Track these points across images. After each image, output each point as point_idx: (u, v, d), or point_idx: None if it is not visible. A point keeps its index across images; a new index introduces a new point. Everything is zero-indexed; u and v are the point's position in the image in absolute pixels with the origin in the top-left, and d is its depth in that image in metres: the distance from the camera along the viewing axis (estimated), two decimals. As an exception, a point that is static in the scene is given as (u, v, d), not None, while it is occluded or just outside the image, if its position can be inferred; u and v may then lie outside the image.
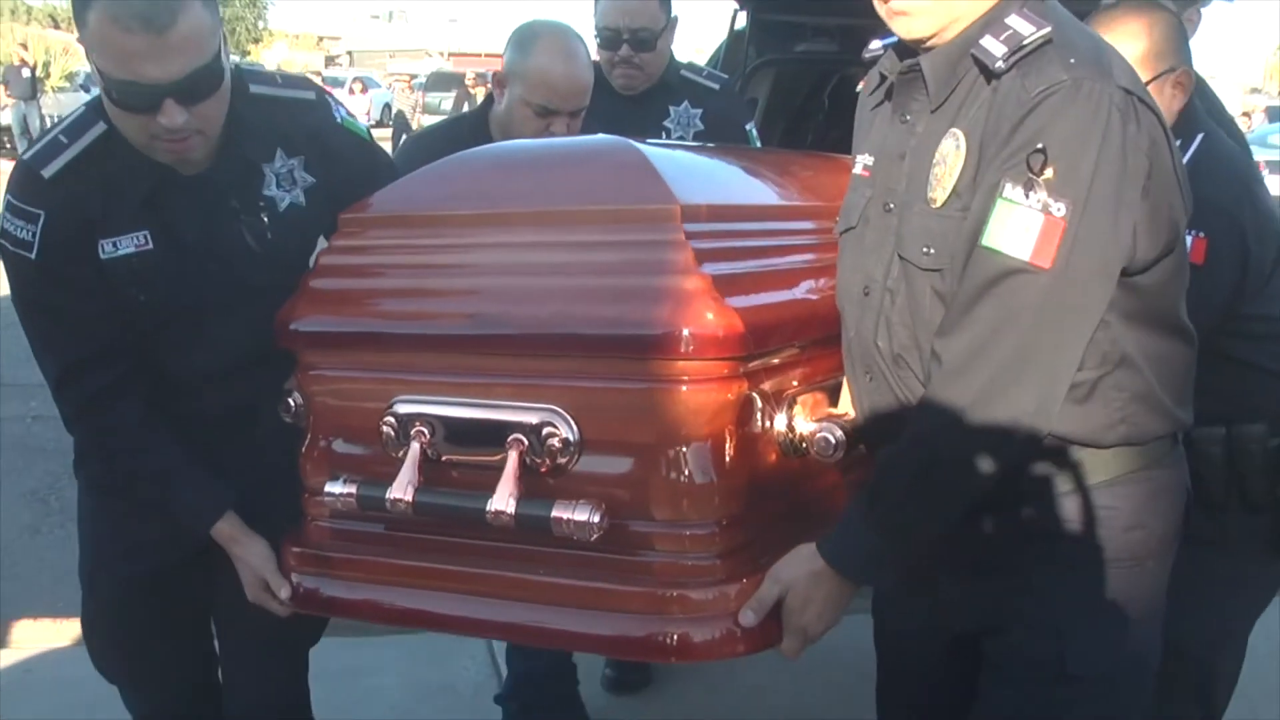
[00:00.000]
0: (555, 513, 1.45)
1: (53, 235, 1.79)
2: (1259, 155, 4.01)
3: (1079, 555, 1.48)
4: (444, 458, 1.57)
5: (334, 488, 1.60)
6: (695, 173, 1.69)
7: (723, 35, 3.79)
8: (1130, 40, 1.90)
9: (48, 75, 16.53)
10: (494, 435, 1.53)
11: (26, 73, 16.66)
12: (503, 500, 1.47)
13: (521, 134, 2.32)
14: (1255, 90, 35.65)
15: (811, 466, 1.62)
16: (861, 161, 1.59)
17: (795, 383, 1.61)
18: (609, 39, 2.78)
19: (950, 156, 1.42)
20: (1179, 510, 1.55)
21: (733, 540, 1.50)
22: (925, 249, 1.44)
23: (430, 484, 1.56)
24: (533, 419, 1.50)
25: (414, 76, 27.01)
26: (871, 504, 1.43)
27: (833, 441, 1.53)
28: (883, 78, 1.57)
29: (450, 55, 39.84)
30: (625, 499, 1.49)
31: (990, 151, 1.38)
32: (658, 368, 1.45)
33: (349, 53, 46.25)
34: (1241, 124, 19.47)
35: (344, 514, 1.66)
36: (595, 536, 1.45)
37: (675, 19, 2.87)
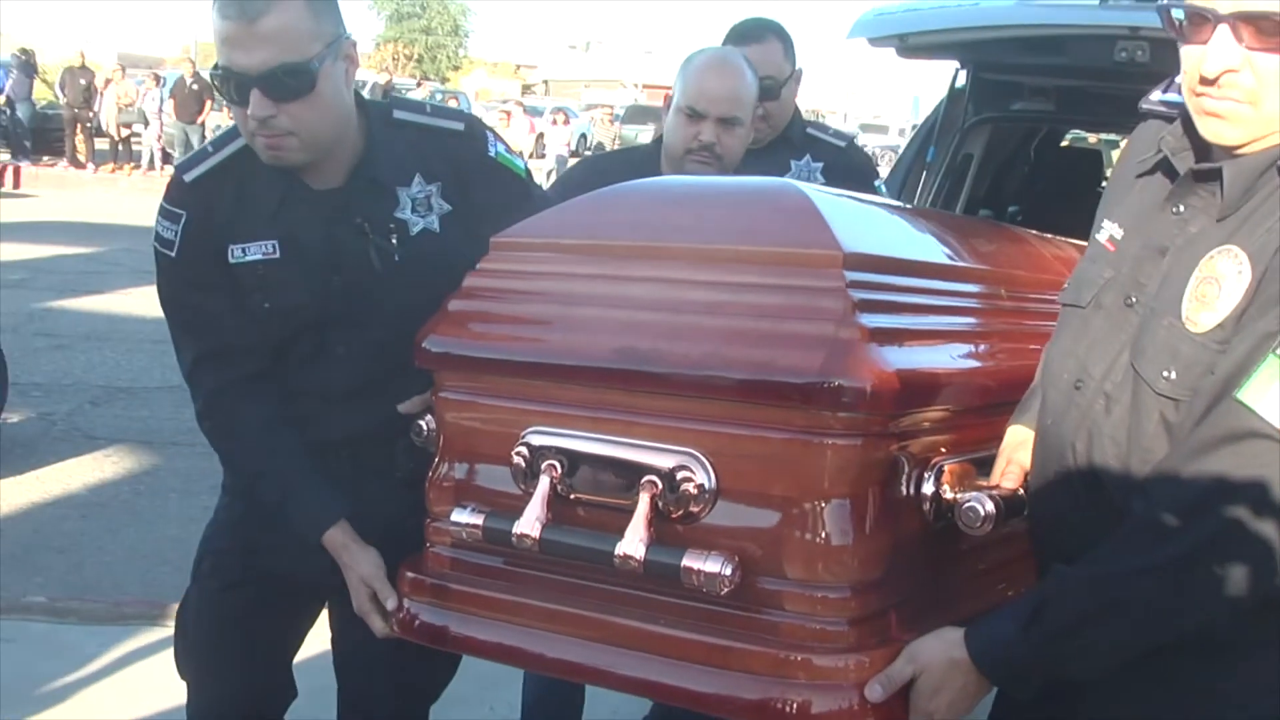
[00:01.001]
0: (686, 562, 1.40)
1: (190, 236, 1.90)
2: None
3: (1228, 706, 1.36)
4: (574, 495, 1.52)
5: (460, 516, 1.57)
6: (862, 222, 1.64)
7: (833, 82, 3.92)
8: None
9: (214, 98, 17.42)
10: (628, 475, 1.48)
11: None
12: (632, 544, 1.42)
13: (673, 143, 2.35)
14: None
15: (955, 541, 1.55)
16: (1108, 231, 1.48)
17: (945, 449, 1.54)
18: None
19: (1229, 280, 1.30)
20: None
21: (866, 607, 1.43)
22: (1166, 372, 1.32)
23: (558, 521, 1.51)
24: (669, 462, 1.45)
25: (612, 109, 27.60)
26: (1034, 618, 1.34)
27: (982, 513, 1.44)
28: (1161, 154, 1.44)
29: (644, 86, 40.37)
30: (757, 553, 1.43)
31: (1273, 290, 1.26)
32: (803, 418, 1.39)
33: (545, 81, 47.42)
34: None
35: (466, 544, 1.62)
36: (725, 590, 1.38)
37: (800, 71, 2.89)
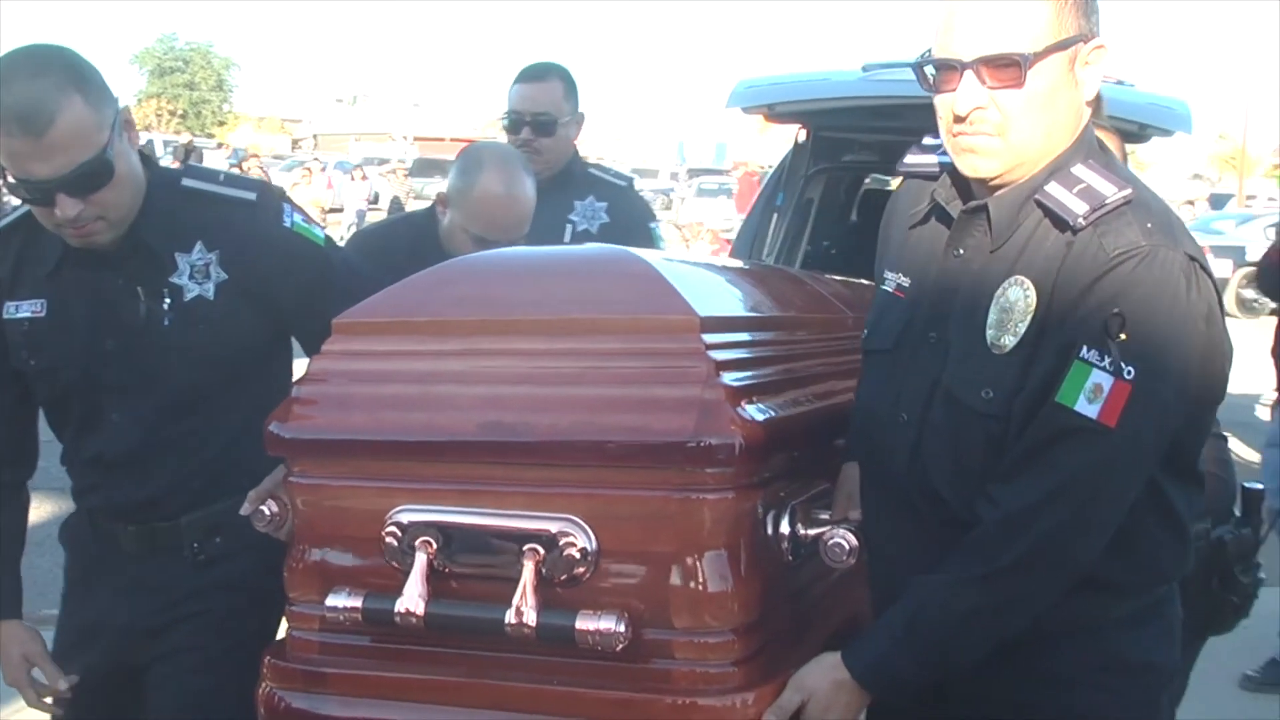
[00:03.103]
0: (580, 624, 1.47)
1: None
2: (1203, 241, 4.33)
3: (1098, 703, 1.54)
4: (450, 569, 1.56)
5: (337, 600, 1.58)
6: (699, 284, 1.73)
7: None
8: None
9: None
10: (507, 545, 1.53)
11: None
12: (523, 611, 1.47)
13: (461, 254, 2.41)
14: (1197, 177, 36.53)
15: (801, 574, 1.66)
16: (894, 281, 1.65)
17: (794, 489, 1.66)
18: (513, 122, 2.99)
19: (1019, 306, 1.48)
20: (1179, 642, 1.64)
21: (749, 647, 1.53)
22: (985, 393, 1.49)
23: (437, 595, 1.55)
24: (550, 528, 1.52)
25: (404, 164, 27.63)
26: (910, 632, 1.48)
27: (848, 547, 1.56)
28: (934, 204, 1.61)
29: (415, 139, 40.07)
30: (641, 607, 1.51)
31: (1062, 306, 1.45)
32: (678, 476, 1.49)
33: (314, 136, 46.38)
34: (1185, 211, 19.94)
35: (335, 626, 1.62)
36: (620, 647, 1.45)
37: (582, 115, 3.07)
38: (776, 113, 3.92)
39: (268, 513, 1.75)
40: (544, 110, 2.93)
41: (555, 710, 1.51)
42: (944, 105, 1.52)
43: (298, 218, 2.05)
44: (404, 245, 2.36)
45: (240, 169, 18.96)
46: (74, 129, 1.77)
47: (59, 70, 1.78)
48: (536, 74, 3.02)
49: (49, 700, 2.05)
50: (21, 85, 1.75)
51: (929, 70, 1.53)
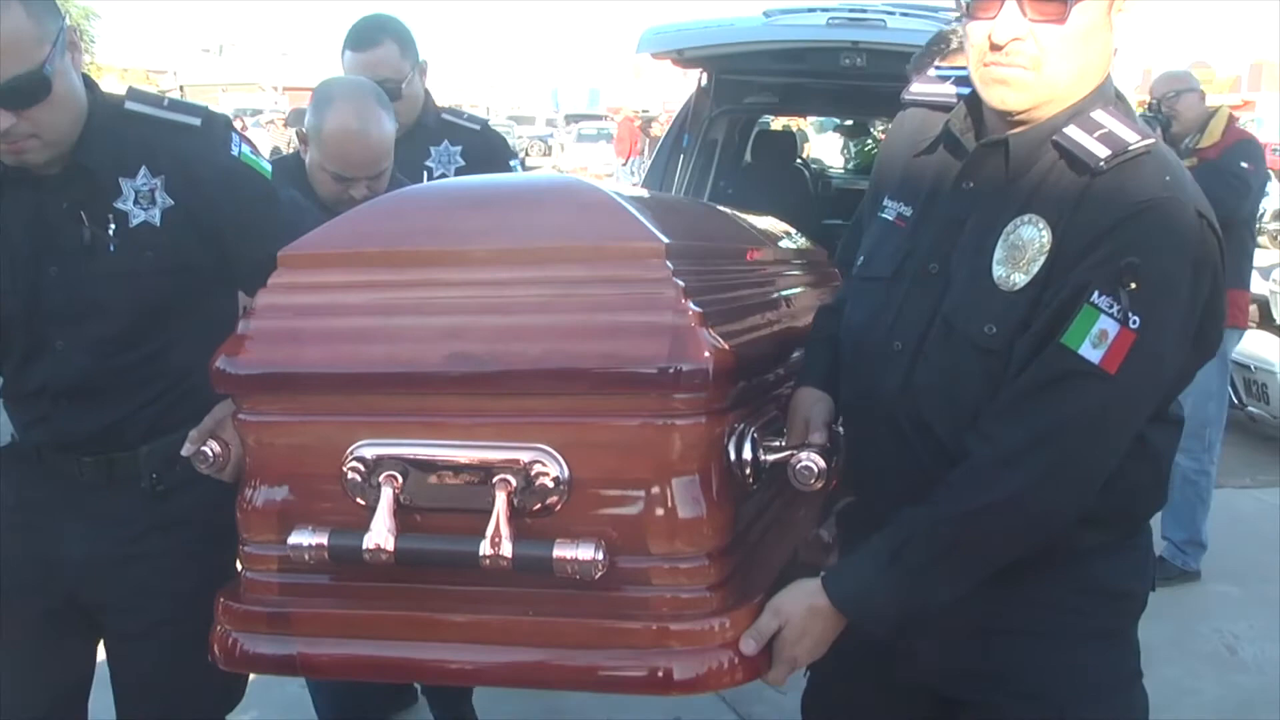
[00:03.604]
0: (557, 552, 1.46)
1: None
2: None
3: (1074, 625, 1.58)
4: (416, 502, 1.53)
5: (300, 538, 1.54)
6: (657, 213, 1.69)
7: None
8: None
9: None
10: (476, 477, 1.51)
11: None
12: (497, 542, 1.45)
13: (323, 193, 2.42)
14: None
15: (760, 499, 1.68)
16: (895, 210, 1.65)
17: (751, 415, 1.66)
18: None
19: (1034, 244, 1.49)
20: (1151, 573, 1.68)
21: (722, 572, 1.54)
22: (988, 328, 1.49)
23: (404, 530, 1.51)
24: (521, 458, 1.50)
25: (284, 115, 26.94)
26: (892, 561, 1.49)
27: (815, 470, 1.56)
28: (946, 134, 1.61)
29: (285, 89, 38.88)
30: (614, 535, 1.50)
31: (1075, 249, 1.46)
32: (653, 403, 1.48)
33: (180, 87, 44.70)
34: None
35: (294, 566, 1.58)
36: (598, 574, 1.45)
37: (424, 64, 3.03)
38: (685, 58, 4.14)
39: (210, 454, 1.72)
40: (384, 77, 2.85)
41: (531, 641, 1.50)
42: (979, 32, 1.51)
43: (245, 148, 2.01)
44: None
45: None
46: (11, 39, 1.71)
47: None
48: (368, 40, 2.94)
49: None
50: None
51: None
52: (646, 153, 22.85)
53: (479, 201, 1.74)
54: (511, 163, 3.22)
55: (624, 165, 21.01)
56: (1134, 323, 1.41)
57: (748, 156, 5.37)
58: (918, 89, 1.72)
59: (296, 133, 2.51)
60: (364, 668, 1.60)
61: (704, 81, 4.45)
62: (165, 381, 1.95)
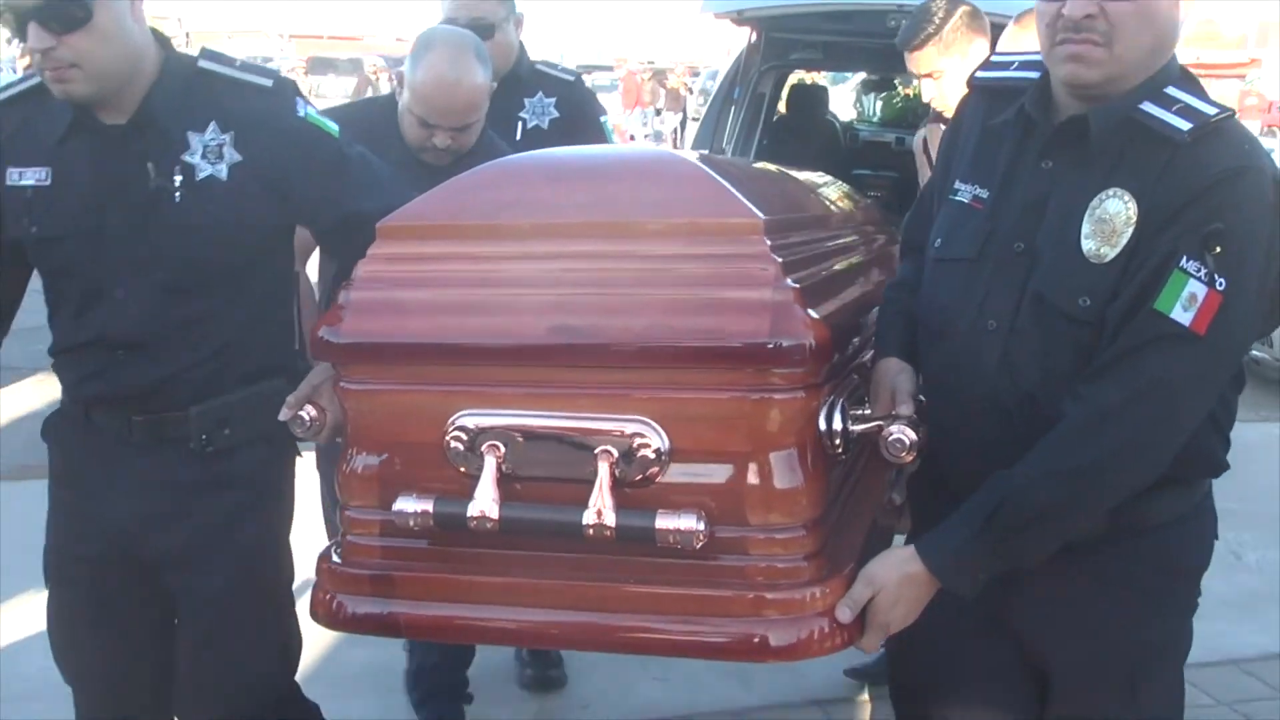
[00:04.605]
0: (659, 523, 1.50)
1: None
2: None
3: (1149, 602, 1.66)
4: (516, 471, 1.57)
5: (406, 505, 1.59)
6: (751, 185, 1.71)
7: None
8: None
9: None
10: (578, 447, 1.56)
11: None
12: (601, 512, 1.49)
13: (409, 137, 2.48)
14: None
15: (844, 468, 1.72)
16: (970, 192, 1.70)
17: (837, 385, 1.70)
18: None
19: (1121, 217, 1.54)
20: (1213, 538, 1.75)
21: (817, 542, 1.59)
22: (1083, 300, 1.55)
23: (506, 498, 1.56)
24: (623, 429, 1.55)
25: (306, 62, 26.96)
26: (988, 524, 1.54)
27: (907, 442, 1.60)
28: (1022, 114, 1.64)
29: (291, 37, 38.58)
30: (712, 505, 1.55)
31: (1161, 218, 1.51)
32: (751, 377, 1.53)
33: (186, 34, 44.37)
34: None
35: (397, 530, 1.63)
36: (699, 544, 1.48)
37: (521, 16, 3.10)
38: (744, 17, 4.55)
39: (307, 418, 1.78)
40: (480, 15, 2.94)
41: (629, 608, 1.56)
42: (1050, 10, 1.55)
43: (311, 110, 2.05)
44: (361, 129, 2.34)
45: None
46: None
47: None
48: None
49: None
50: None
51: None
52: (662, 103, 22.66)
53: (576, 174, 1.77)
54: (601, 119, 3.28)
55: (628, 114, 21.01)
56: (1220, 284, 1.48)
57: (781, 108, 5.64)
58: (984, 73, 1.76)
59: (394, 74, 2.55)
60: (464, 630, 1.66)
61: (753, 38, 4.75)
62: (220, 340, 1.98)
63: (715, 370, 1.51)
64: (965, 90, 1.82)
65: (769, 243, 1.55)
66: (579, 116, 3.13)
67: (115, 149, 1.93)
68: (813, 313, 1.52)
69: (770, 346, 1.47)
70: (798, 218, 1.82)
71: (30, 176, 1.96)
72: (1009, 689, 1.72)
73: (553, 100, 3.09)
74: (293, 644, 2.15)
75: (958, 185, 1.72)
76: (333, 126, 2.08)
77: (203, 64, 2.00)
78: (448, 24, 2.94)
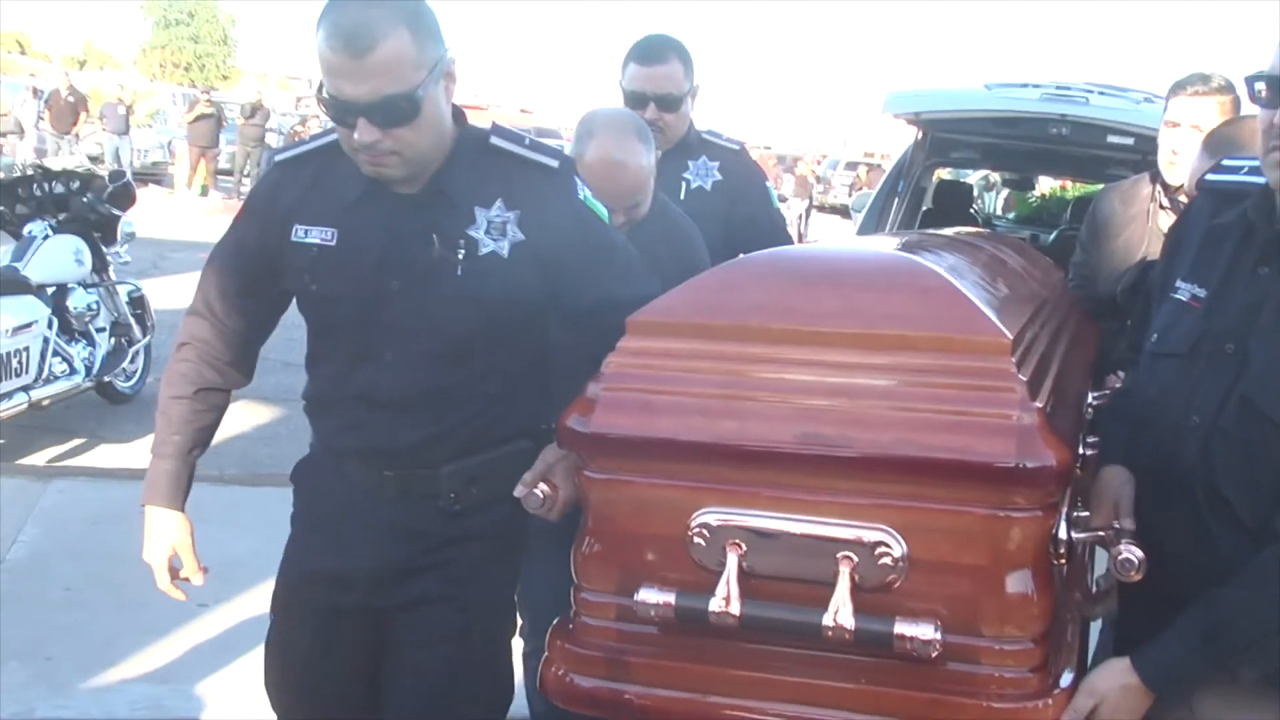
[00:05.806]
0: (898, 629, 1.57)
1: (256, 201, 2.18)
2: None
3: None
4: (756, 569, 1.65)
5: (648, 596, 1.67)
6: (987, 294, 1.76)
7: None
8: None
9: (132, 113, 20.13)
10: (820, 551, 1.62)
11: (122, 110, 19.52)
12: (841, 615, 1.57)
13: None
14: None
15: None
16: (1188, 290, 1.75)
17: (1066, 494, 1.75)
18: (635, 100, 3.10)
19: None
20: None
21: (1044, 654, 1.65)
22: None
23: (744, 595, 1.63)
24: (864, 536, 1.62)
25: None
26: (1207, 642, 1.61)
27: (1135, 562, 1.64)
28: (1245, 221, 1.68)
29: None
30: (945, 614, 1.61)
31: None
32: (995, 495, 1.59)
33: (317, 94, 46.10)
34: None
35: (634, 618, 1.71)
36: (935, 654, 1.54)
37: (697, 87, 3.22)
38: (921, 119, 5.08)
39: (541, 495, 1.87)
40: (667, 91, 3.10)
41: (862, 708, 1.62)
42: (1267, 115, 1.61)
43: (588, 192, 2.12)
44: None
45: (303, 130, 19.46)
46: (392, 59, 1.85)
47: (397, 3, 1.87)
48: (657, 56, 3.15)
49: (179, 584, 2.19)
50: (358, 7, 1.85)
51: (1257, 85, 1.62)
52: (789, 190, 22.60)
53: (824, 279, 1.83)
54: (766, 184, 3.40)
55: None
56: None
57: (928, 203, 6.09)
58: (1212, 177, 1.82)
59: None
60: (693, 716, 1.73)
61: (919, 137, 5.26)
62: (478, 405, 2.06)
63: (959, 487, 1.57)
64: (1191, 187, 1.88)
65: (1015, 360, 1.61)
66: (743, 181, 3.26)
67: (404, 217, 2.02)
68: (1058, 437, 1.57)
69: (1015, 469, 1.53)
70: (1029, 317, 1.89)
71: (316, 235, 2.06)
72: None
73: (716, 164, 3.22)
74: (509, 687, 2.23)
75: (1179, 284, 1.78)
76: (604, 211, 2.16)
77: (494, 140, 2.07)
78: (632, 95, 3.10)
